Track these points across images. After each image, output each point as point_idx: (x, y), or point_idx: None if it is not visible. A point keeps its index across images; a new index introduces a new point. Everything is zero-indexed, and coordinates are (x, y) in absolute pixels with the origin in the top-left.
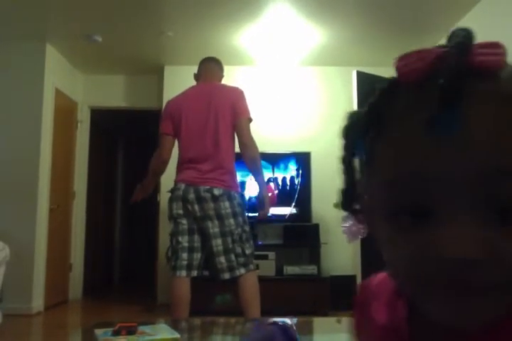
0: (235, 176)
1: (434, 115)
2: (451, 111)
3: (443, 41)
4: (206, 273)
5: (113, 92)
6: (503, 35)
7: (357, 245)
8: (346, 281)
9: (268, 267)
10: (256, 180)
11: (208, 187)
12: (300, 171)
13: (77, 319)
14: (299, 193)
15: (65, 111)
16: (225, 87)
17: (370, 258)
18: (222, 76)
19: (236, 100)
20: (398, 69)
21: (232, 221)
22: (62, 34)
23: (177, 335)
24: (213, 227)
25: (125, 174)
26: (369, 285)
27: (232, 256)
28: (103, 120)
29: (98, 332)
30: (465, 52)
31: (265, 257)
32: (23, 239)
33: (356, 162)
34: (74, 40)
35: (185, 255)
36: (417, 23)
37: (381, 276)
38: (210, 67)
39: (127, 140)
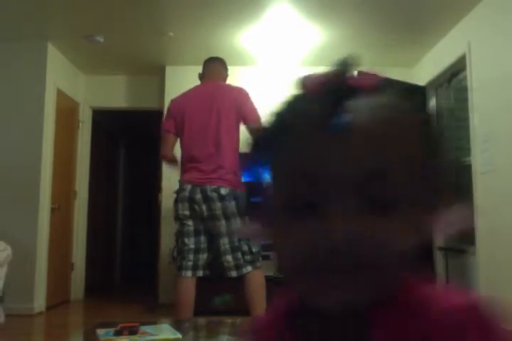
0: (238, 176)
1: (325, 116)
2: (339, 114)
3: (444, 40)
4: (207, 272)
5: (114, 93)
6: (503, 35)
7: None
8: None
9: (269, 267)
10: None
11: (214, 186)
12: None
13: (79, 319)
14: None
15: (67, 112)
16: (228, 86)
17: None
18: (226, 75)
19: (242, 102)
20: (305, 83)
21: (238, 220)
22: (64, 34)
23: (179, 335)
24: (220, 226)
25: (126, 174)
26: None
27: (239, 254)
28: (104, 120)
29: (100, 332)
30: (346, 77)
31: (267, 257)
32: (25, 239)
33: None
34: (76, 41)
35: (191, 256)
36: (418, 23)
37: (266, 318)
38: (214, 67)
39: (128, 140)
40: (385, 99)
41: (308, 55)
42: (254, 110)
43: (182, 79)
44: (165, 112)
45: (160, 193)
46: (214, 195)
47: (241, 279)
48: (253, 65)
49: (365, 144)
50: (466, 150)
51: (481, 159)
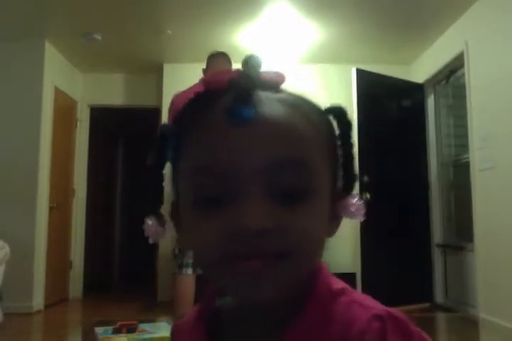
0: None
1: (231, 108)
2: (245, 104)
3: (441, 38)
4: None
5: (112, 91)
6: (500, 33)
7: (356, 242)
8: (346, 279)
9: None
10: None
11: None
12: None
13: (78, 317)
14: None
15: (65, 110)
16: None
17: (370, 256)
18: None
19: None
20: (207, 82)
21: None
22: (61, 33)
23: None
24: None
25: (125, 172)
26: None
27: None
28: (102, 118)
29: (98, 330)
30: (257, 70)
31: None
32: (23, 238)
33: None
34: (73, 39)
35: (191, 253)
36: (416, 21)
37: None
38: (218, 62)
39: (127, 138)
40: (288, 94)
41: (307, 53)
42: None
43: (180, 77)
44: (164, 109)
45: None
46: None
47: None
48: None
49: (270, 134)
50: (465, 147)
51: (479, 156)
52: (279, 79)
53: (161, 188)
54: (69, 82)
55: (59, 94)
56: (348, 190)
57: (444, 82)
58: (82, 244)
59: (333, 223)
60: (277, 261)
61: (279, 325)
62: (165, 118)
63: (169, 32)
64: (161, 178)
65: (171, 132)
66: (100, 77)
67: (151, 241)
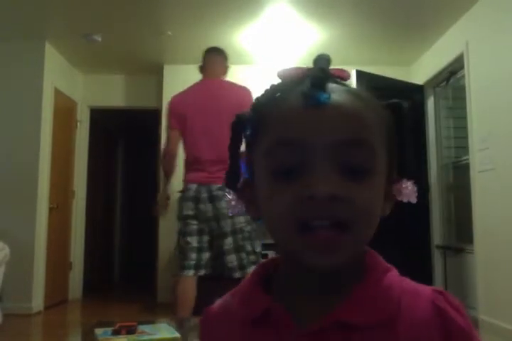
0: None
1: (308, 93)
2: (321, 89)
3: (442, 39)
4: (210, 270)
5: (112, 92)
6: (501, 34)
7: None
8: None
9: None
10: None
11: (219, 185)
12: None
13: (77, 318)
14: None
15: (65, 111)
16: (231, 85)
17: None
18: (227, 67)
19: (244, 102)
20: (283, 73)
21: (242, 218)
22: (61, 33)
23: (177, 335)
24: (225, 226)
25: (125, 173)
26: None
27: (243, 255)
28: (103, 119)
29: (98, 331)
30: (327, 64)
31: (265, 256)
32: (23, 239)
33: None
34: (73, 40)
35: (194, 255)
36: (416, 22)
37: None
38: (214, 59)
39: (127, 139)
40: (353, 87)
41: (307, 54)
42: None
43: (180, 78)
44: (164, 110)
45: (158, 193)
46: (220, 193)
47: (242, 280)
48: (251, 63)
49: (340, 117)
50: (465, 149)
51: (479, 158)
52: (345, 74)
53: (239, 167)
54: (69, 83)
55: (59, 95)
56: (402, 174)
57: (444, 83)
58: (82, 244)
59: (387, 203)
60: (343, 230)
61: (336, 291)
62: (165, 119)
63: (169, 33)
64: (238, 158)
65: (249, 117)
66: (100, 78)
67: (230, 213)
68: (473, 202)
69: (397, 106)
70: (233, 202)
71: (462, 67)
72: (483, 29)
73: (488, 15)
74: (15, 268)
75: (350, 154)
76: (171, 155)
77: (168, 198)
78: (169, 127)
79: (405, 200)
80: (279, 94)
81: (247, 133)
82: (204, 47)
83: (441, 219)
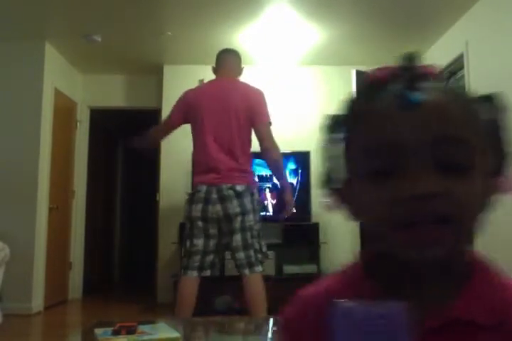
0: (252, 175)
1: (401, 94)
2: (414, 91)
3: (441, 39)
4: (215, 271)
5: (112, 92)
6: (501, 34)
7: (356, 244)
8: None
9: (268, 267)
10: (279, 183)
11: (230, 184)
12: (299, 170)
13: (77, 318)
14: (298, 192)
15: (65, 111)
16: (245, 87)
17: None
18: (242, 69)
19: (256, 103)
20: (376, 74)
21: (251, 216)
22: (61, 34)
23: (177, 334)
24: (235, 224)
25: (125, 173)
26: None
27: (252, 252)
28: (103, 120)
29: (98, 331)
30: (415, 64)
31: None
32: (23, 239)
33: (333, 150)
34: (73, 40)
35: (198, 257)
36: (416, 22)
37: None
38: (228, 61)
39: (127, 139)
40: (445, 83)
41: (307, 54)
42: (265, 113)
43: (180, 79)
44: (166, 110)
45: (158, 193)
46: (230, 192)
47: (242, 280)
48: (251, 64)
49: (434, 116)
50: None
51: None
52: (435, 71)
53: (332, 167)
54: (69, 83)
55: (59, 95)
56: (499, 170)
57: None
58: (81, 245)
59: (488, 199)
60: (442, 226)
61: (442, 286)
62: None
63: (169, 33)
64: (331, 158)
65: (343, 118)
66: (100, 78)
67: (327, 210)
68: None
69: (491, 98)
70: (330, 201)
71: (462, 67)
72: (483, 29)
73: (488, 15)
74: (15, 269)
75: (446, 152)
76: (152, 142)
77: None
78: (170, 117)
79: (505, 195)
80: (371, 95)
81: (342, 134)
82: (204, 47)
83: None
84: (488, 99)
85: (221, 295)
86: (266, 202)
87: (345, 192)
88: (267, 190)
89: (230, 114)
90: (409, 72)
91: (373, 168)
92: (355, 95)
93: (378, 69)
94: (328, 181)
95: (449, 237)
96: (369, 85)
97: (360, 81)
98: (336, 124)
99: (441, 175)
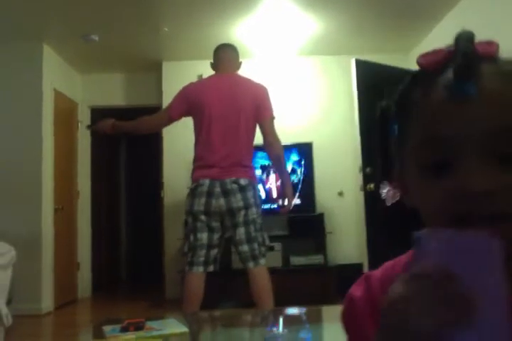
0: (254, 169)
1: (452, 86)
2: (467, 81)
3: (438, 26)
4: (218, 266)
5: (112, 91)
6: (496, 22)
7: (362, 233)
8: (353, 270)
9: (274, 258)
10: (280, 177)
11: (233, 178)
12: (303, 162)
13: (87, 317)
14: (302, 184)
15: (65, 112)
16: (249, 82)
17: (376, 246)
18: (240, 63)
19: (261, 98)
20: (421, 62)
21: (254, 210)
22: (58, 35)
23: (185, 329)
24: (238, 217)
25: (128, 172)
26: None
27: (255, 245)
28: (104, 119)
29: (106, 328)
30: (471, 44)
31: (271, 248)
32: (30, 240)
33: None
34: (71, 40)
35: (203, 252)
36: (414, 10)
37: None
38: (227, 56)
39: (129, 138)
40: (504, 63)
41: (305, 44)
42: (269, 108)
43: (179, 74)
44: (164, 106)
45: (162, 189)
46: (234, 186)
47: (248, 274)
48: (250, 57)
49: (489, 105)
50: None
51: None
52: (493, 48)
53: (388, 160)
54: (68, 83)
55: (59, 96)
56: None
57: None
58: (88, 244)
59: None
60: (500, 224)
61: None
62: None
63: (166, 29)
64: (387, 152)
65: (393, 111)
66: (99, 77)
67: (388, 203)
68: None
69: None
70: (390, 192)
71: None
72: (480, 16)
73: (484, 1)
74: (23, 270)
75: (503, 143)
76: (145, 126)
77: (113, 126)
78: (170, 110)
79: None
80: (424, 84)
81: (394, 126)
82: (202, 42)
83: None
84: None
85: (227, 295)
86: (271, 184)
87: (401, 183)
88: (271, 172)
89: (237, 110)
90: (461, 60)
91: (425, 163)
92: (405, 84)
93: (430, 53)
94: (384, 172)
95: (508, 234)
96: (419, 73)
97: (365, 78)
98: (388, 115)
99: (498, 169)
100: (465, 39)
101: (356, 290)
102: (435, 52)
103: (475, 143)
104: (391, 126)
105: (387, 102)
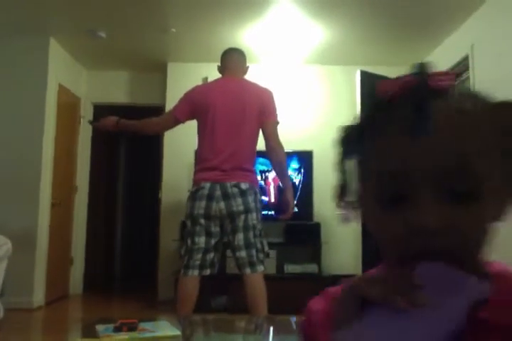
0: (255, 174)
1: (409, 122)
2: (422, 118)
3: (447, 40)
4: (214, 270)
5: (116, 88)
6: (506, 37)
7: (358, 244)
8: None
9: (269, 265)
10: (282, 182)
11: (234, 182)
12: (302, 170)
13: (78, 314)
14: (300, 192)
15: (68, 107)
16: (255, 87)
17: (371, 257)
18: (247, 68)
19: (266, 102)
20: (378, 90)
21: (255, 215)
22: (66, 29)
23: (178, 332)
24: (238, 222)
25: (127, 169)
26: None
27: (254, 251)
28: (106, 116)
29: (99, 327)
30: (426, 78)
31: (267, 255)
32: (25, 234)
33: (347, 164)
34: (78, 36)
35: (199, 256)
36: (421, 23)
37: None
38: (234, 60)
39: (129, 138)
40: (458, 98)
41: (311, 53)
42: (273, 113)
43: (184, 76)
44: (169, 107)
45: (160, 190)
46: (235, 190)
47: (243, 279)
48: (256, 62)
49: (443, 144)
50: None
51: None
52: (450, 82)
53: (346, 181)
54: (73, 79)
55: (63, 90)
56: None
57: None
58: (83, 240)
59: (495, 222)
60: (451, 256)
61: None
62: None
63: (173, 30)
64: (345, 173)
65: (354, 137)
66: (104, 74)
67: (343, 223)
68: None
69: (508, 105)
70: (346, 213)
71: (467, 69)
72: (489, 31)
73: (494, 17)
74: (17, 263)
75: (455, 181)
76: (151, 127)
77: (117, 125)
78: (175, 112)
79: None
80: (380, 115)
81: (354, 151)
82: (208, 45)
83: None
84: (506, 108)
85: (219, 295)
86: (270, 187)
87: (358, 205)
88: (270, 176)
89: (242, 113)
90: (418, 93)
91: (379, 195)
92: (364, 111)
93: (388, 82)
94: (342, 193)
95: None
96: (377, 101)
97: (369, 91)
98: (348, 139)
99: (449, 206)
100: (422, 72)
101: (314, 303)
102: (393, 81)
103: (427, 180)
104: (351, 149)
105: (349, 127)
